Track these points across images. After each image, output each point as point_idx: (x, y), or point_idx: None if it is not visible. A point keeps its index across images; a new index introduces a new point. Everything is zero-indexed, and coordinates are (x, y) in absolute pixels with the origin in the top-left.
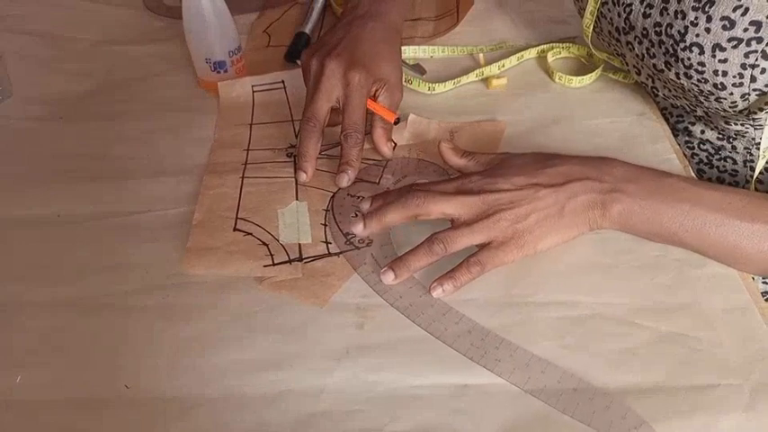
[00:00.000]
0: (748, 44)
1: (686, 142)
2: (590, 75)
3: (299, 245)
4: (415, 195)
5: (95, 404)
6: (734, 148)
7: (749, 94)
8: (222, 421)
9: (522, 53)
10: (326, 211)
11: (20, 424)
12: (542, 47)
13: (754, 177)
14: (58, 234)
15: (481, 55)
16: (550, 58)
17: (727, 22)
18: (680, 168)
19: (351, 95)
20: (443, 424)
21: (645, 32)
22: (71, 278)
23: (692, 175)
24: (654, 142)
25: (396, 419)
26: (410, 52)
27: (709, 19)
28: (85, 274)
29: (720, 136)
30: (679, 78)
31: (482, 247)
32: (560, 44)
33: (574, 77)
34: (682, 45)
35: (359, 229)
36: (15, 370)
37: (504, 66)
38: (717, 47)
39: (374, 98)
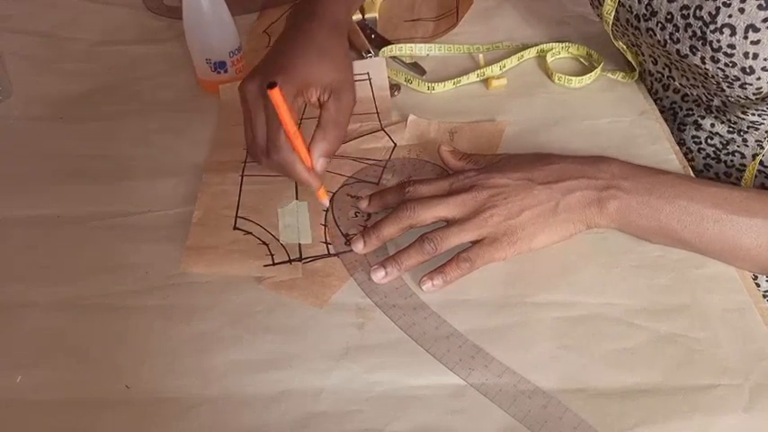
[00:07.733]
0: None
1: (693, 137)
2: (589, 75)
3: (299, 245)
4: (405, 207)
5: (95, 404)
6: (744, 141)
7: None
8: (222, 421)
9: (522, 53)
10: (326, 211)
11: (20, 424)
12: (542, 46)
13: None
14: (58, 234)
15: (481, 55)
16: (549, 58)
17: (763, 2)
18: (679, 169)
19: (269, 112)
20: (443, 424)
21: (669, 17)
22: (71, 278)
23: (692, 175)
24: (654, 142)
25: (395, 420)
26: (407, 50)
27: None
28: (85, 274)
29: (731, 129)
30: (704, 63)
31: (475, 243)
32: (559, 44)
33: (573, 78)
34: (712, 27)
35: (359, 247)
36: (15, 370)
37: (504, 66)
38: (750, 27)
39: (319, 105)
